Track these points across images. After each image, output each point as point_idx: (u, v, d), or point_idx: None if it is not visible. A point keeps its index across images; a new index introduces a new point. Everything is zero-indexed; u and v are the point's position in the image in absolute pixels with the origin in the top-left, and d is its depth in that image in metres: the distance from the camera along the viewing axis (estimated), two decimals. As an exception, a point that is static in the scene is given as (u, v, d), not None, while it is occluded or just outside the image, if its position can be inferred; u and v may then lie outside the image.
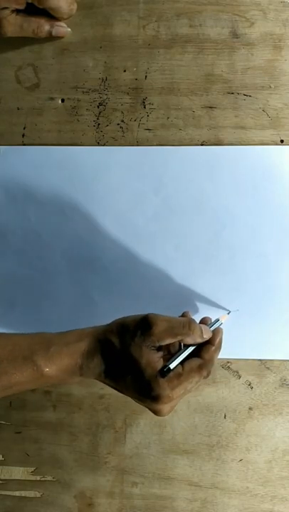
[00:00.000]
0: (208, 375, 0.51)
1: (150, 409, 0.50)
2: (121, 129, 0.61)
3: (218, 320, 0.55)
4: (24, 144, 0.62)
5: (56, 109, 0.62)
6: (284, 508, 0.58)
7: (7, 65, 0.62)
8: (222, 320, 0.55)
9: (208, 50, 0.61)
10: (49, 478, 0.60)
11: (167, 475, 0.59)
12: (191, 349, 0.51)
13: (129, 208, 0.60)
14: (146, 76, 0.61)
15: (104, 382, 0.51)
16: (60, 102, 0.62)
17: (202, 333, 0.51)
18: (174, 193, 0.60)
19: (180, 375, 0.49)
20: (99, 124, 0.61)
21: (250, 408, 0.59)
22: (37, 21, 0.59)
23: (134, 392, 0.50)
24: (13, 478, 0.60)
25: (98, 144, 0.61)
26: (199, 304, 0.59)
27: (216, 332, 0.53)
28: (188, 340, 0.50)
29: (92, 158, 0.61)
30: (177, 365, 0.50)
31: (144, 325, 0.50)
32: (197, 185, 0.60)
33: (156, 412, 0.50)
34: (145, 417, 0.59)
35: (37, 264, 0.61)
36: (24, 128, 0.62)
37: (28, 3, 0.57)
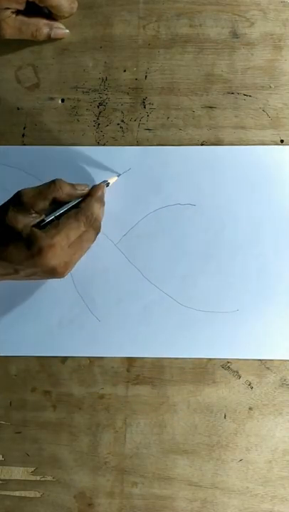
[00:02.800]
0: (90, 224, 0.53)
1: (46, 272, 0.52)
2: (121, 129, 0.61)
3: (105, 181, 0.57)
4: (24, 144, 0.62)
5: (56, 109, 0.62)
6: (284, 508, 0.58)
7: (7, 65, 0.62)
8: (110, 181, 0.58)
9: (208, 50, 0.61)
10: (49, 478, 0.60)
11: (167, 475, 0.59)
12: (69, 205, 0.54)
13: (129, 207, 0.60)
14: (146, 76, 0.61)
15: (2, 274, 0.53)
16: (60, 102, 0.62)
17: (74, 186, 0.54)
18: (174, 193, 0.60)
19: (57, 224, 0.52)
20: (99, 124, 0.61)
21: (250, 408, 0.59)
22: (36, 24, 0.59)
23: (22, 259, 0.51)
24: (13, 478, 0.60)
25: (98, 144, 0.61)
26: (199, 304, 0.59)
27: (96, 187, 0.56)
28: (62, 196, 0.53)
29: (92, 158, 0.61)
30: (53, 218, 0.52)
31: (14, 198, 0.52)
32: (197, 185, 0.60)
33: (52, 272, 0.52)
34: (145, 417, 0.59)
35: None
36: (24, 128, 0.62)
37: (27, 2, 0.57)
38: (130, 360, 0.60)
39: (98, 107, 0.62)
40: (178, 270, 0.60)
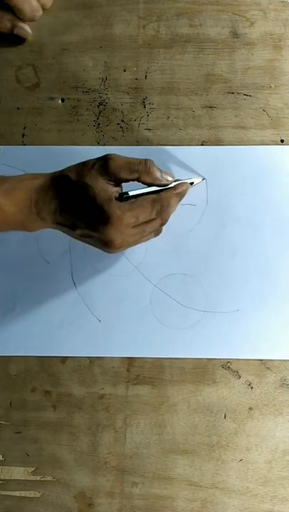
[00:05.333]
0: (162, 213, 0.53)
1: (102, 241, 0.51)
2: (121, 129, 0.61)
3: (190, 178, 0.57)
4: (24, 144, 0.62)
5: (56, 109, 0.62)
6: (284, 508, 0.58)
7: (7, 65, 0.62)
8: (195, 181, 0.58)
9: (208, 50, 0.61)
10: (49, 478, 0.60)
11: (167, 475, 0.59)
12: (151, 188, 0.53)
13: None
14: (146, 76, 0.61)
15: (60, 223, 0.52)
16: (60, 101, 0.62)
17: (162, 174, 0.53)
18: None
19: (133, 202, 0.51)
20: (99, 123, 0.61)
21: (250, 408, 0.59)
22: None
23: (86, 219, 0.51)
24: (13, 478, 0.60)
25: (98, 144, 0.61)
26: (199, 304, 0.59)
27: (182, 183, 0.55)
28: (147, 179, 0.52)
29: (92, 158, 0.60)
30: (133, 195, 0.52)
31: (102, 160, 0.51)
32: (197, 185, 0.60)
33: (108, 243, 0.51)
34: (145, 417, 0.59)
35: (37, 264, 0.61)
36: (24, 128, 0.62)
37: None
38: (130, 360, 0.60)
39: (98, 106, 0.62)
40: (178, 270, 0.60)
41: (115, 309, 0.60)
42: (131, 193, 0.51)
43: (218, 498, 0.58)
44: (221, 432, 0.59)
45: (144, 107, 0.61)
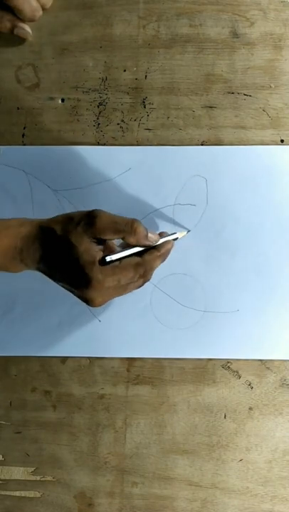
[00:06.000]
0: (144, 276, 0.52)
1: (82, 298, 0.51)
2: (121, 129, 0.61)
3: (174, 233, 0.56)
4: (24, 144, 0.62)
5: (56, 109, 0.62)
6: (284, 508, 0.58)
7: (7, 65, 0.62)
8: (179, 236, 0.57)
9: (208, 50, 0.61)
10: (49, 478, 0.60)
11: (167, 475, 0.59)
12: (134, 250, 0.52)
13: (128, 207, 0.60)
14: (146, 76, 0.61)
15: (43, 271, 0.52)
16: (60, 101, 0.62)
17: (147, 235, 0.52)
18: (174, 193, 0.60)
19: (115, 266, 0.50)
20: (99, 123, 0.61)
21: (250, 408, 0.59)
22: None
23: (68, 277, 0.51)
24: (13, 478, 0.60)
25: (98, 144, 0.61)
26: (199, 304, 0.59)
27: (166, 242, 0.55)
28: (131, 240, 0.51)
29: (92, 158, 0.61)
30: (116, 259, 0.51)
31: (88, 217, 0.50)
32: (197, 185, 0.60)
33: (88, 301, 0.51)
34: (145, 417, 0.59)
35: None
36: (24, 128, 0.62)
37: None
38: (130, 360, 0.60)
39: (98, 106, 0.62)
40: (178, 270, 0.60)
41: (115, 309, 0.60)
42: (114, 257, 0.50)
43: (218, 498, 0.58)
44: (221, 432, 0.59)
45: (144, 107, 0.61)
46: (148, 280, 0.53)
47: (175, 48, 0.61)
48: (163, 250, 0.54)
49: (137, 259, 0.52)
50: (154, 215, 0.60)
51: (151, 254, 0.53)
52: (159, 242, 0.54)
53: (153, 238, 0.53)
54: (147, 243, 0.52)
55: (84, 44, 0.62)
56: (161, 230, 0.58)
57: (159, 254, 0.53)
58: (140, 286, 0.53)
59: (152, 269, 0.53)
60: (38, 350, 0.60)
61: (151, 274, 0.53)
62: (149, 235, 0.52)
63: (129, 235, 0.51)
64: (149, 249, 0.53)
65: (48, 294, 0.60)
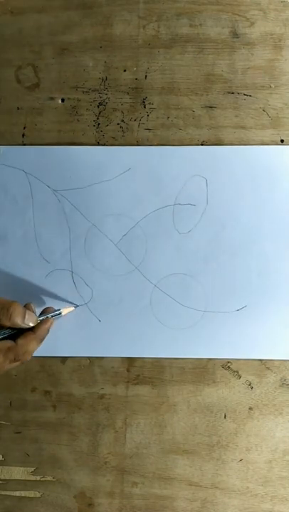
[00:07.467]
0: (16, 360, 0.52)
1: None
2: (121, 129, 0.61)
3: (58, 310, 0.56)
4: (24, 144, 0.62)
5: (56, 109, 0.62)
6: (284, 508, 0.58)
7: (7, 65, 0.62)
8: (63, 312, 0.57)
9: (208, 50, 0.61)
10: (49, 478, 0.60)
11: (167, 475, 0.59)
12: (8, 332, 0.52)
13: (129, 207, 0.60)
14: (146, 76, 0.61)
15: None
16: (60, 101, 0.62)
17: (23, 318, 0.52)
18: (174, 193, 0.60)
19: None
20: (99, 123, 0.61)
21: (250, 408, 0.59)
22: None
23: None
24: (13, 478, 0.60)
25: (98, 144, 0.61)
26: (199, 304, 0.59)
27: (43, 322, 0.55)
28: (6, 323, 0.51)
29: (92, 158, 0.61)
30: None
31: None
32: (197, 185, 0.60)
33: None
34: (145, 417, 0.59)
35: (37, 265, 0.61)
36: (24, 128, 0.62)
37: None
38: (130, 360, 0.60)
39: (98, 106, 0.62)
40: (178, 270, 0.60)
41: (115, 309, 0.60)
42: None
43: (218, 498, 0.58)
44: (221, 432, 0.59)
45: (144, 107, 0.61)
46: (27, 360, 0.53)
47: (175, 48, 0.61)
48: (39, 331, 0.54)
49: (8, 343, 0.52)
50: (154, 215, 0.60)
51: (25, 337, 0.53)
52: (40, 319, 0.54)
53: (29, 320, 0.53)
54: (23, 326, 0.53)
55: (84, 44, 0.62)
56: (48, 306, 0.58)
57: (34, 335, 0.53)
58: (20, 365, 0.54)
59: (28, 351, 0.53)
60: (38, 350, 0.60)
61: (30, 355, 0.53)
62: (26, 316, 0.52)
63: (4, 318, 0.51)
64: (26, 330, 0.53)
65: (47, 294, 0.60)
